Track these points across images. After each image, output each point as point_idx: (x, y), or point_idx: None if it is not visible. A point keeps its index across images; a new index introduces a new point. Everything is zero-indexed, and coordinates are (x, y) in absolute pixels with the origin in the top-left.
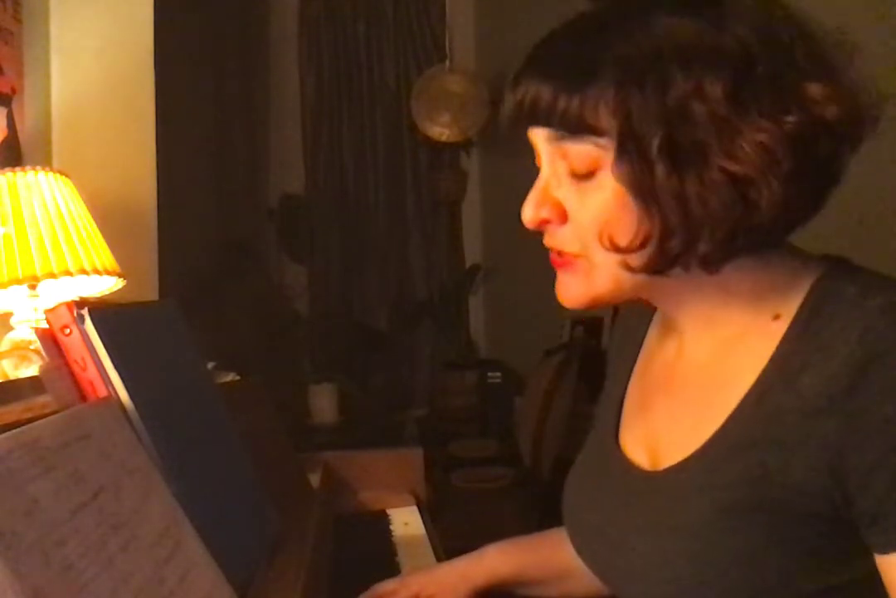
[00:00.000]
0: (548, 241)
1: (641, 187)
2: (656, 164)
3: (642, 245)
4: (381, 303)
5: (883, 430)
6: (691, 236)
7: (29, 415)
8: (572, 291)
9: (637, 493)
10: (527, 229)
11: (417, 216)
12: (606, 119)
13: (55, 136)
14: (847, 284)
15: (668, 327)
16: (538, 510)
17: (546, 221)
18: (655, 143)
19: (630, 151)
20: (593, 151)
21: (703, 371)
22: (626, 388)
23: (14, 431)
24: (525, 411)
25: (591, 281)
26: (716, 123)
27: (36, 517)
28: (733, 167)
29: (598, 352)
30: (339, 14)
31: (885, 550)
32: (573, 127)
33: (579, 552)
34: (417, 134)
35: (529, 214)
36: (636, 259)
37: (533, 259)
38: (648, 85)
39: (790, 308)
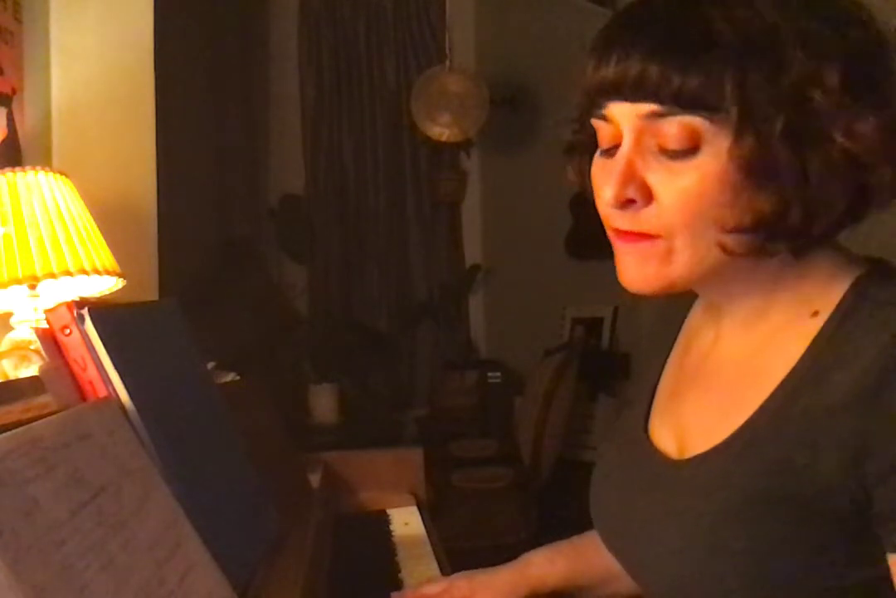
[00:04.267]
0: (624, 223)
1: (761, 167)
2: (778, 144)
3: (754, 226)
4: (381, 303)
5: None
6: (809, 216)
7: (29, 415)
8: (646, 273)
9: (661, 480)
10: (527, 229)
11: (417, 216)
12: (723, 96)
13: (55, 136)
14: (884, 286)
15: (708, 318)
16: (538, 510)
17: (630, 201)
18: (778, 124)
19: (752, 131)
20: (699, 125)
21: (736, 363)
22: (659, 376)
23: (14, 431)
24: (525, 411)
25: (670, 264)
26: (835, 108)
27: (36, 517)
28: (855, 147)
29: (598, 352)
30: (339, 14)
31: (894, 549)
32: (686, 103)
33: (603, 538)
34: (417, 134)
35: (614, 193)
36: (737, 241)
37: (533, 259)
38: (767, 65)
39: (828, 306)
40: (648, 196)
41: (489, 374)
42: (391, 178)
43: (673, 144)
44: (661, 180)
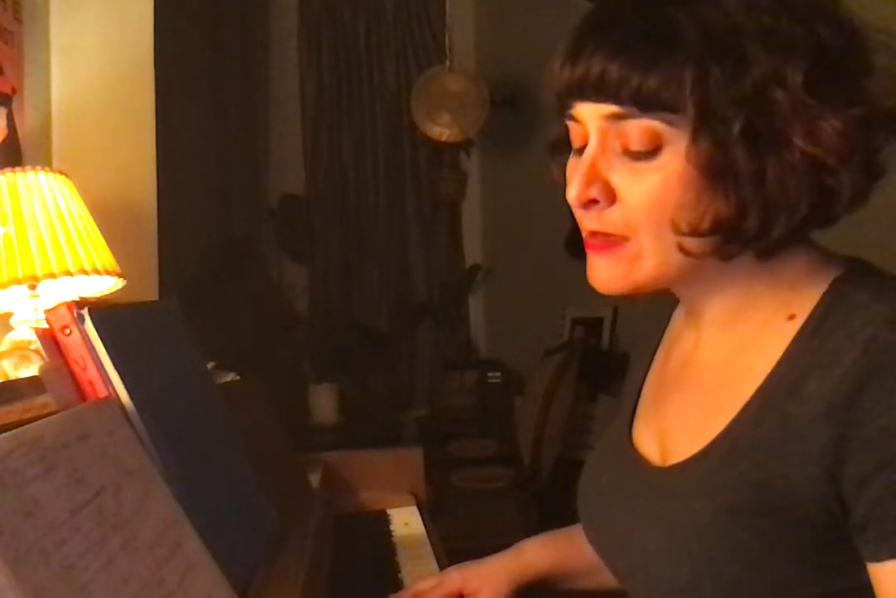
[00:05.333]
0: (590, 223)
1: (719, 169)
2: (736, 146)
3: (713, 228)
4: (381, 303)
5: (878, 441)
6: (768, 220)
7: (29, 415)
8: (612, 274)
9: (643, 488)
10: (527, 229)
11: (417, 216)
12: (683, 96)
13: (55, 136)
14: (860, 288)
15: (689, 322)
16: (538, 510)
17: (593, 202)
18: (736, 126)
19: (708, 132)
20: (658, 128)
21: (715, 369)
22: (644, 380)
23: (14, 431)
24: (525, 411)
25: (636, 266)
26: (796, 109)
27: (36, 517)
28: (814, 150)
29: (598, 352)
30: (339, 14)
31: (874, 558)
32: (645, 104)
33: (591, 542)
34: (417, 134)
35: (576, 192)
36: (698, 243)
37: (533, 259)
38: (729, 63)
39: (805, 309)
40: (612, 197)
41: (489, 374)
42: (391, 178)
43: (635, 145)
44: (624, 181)
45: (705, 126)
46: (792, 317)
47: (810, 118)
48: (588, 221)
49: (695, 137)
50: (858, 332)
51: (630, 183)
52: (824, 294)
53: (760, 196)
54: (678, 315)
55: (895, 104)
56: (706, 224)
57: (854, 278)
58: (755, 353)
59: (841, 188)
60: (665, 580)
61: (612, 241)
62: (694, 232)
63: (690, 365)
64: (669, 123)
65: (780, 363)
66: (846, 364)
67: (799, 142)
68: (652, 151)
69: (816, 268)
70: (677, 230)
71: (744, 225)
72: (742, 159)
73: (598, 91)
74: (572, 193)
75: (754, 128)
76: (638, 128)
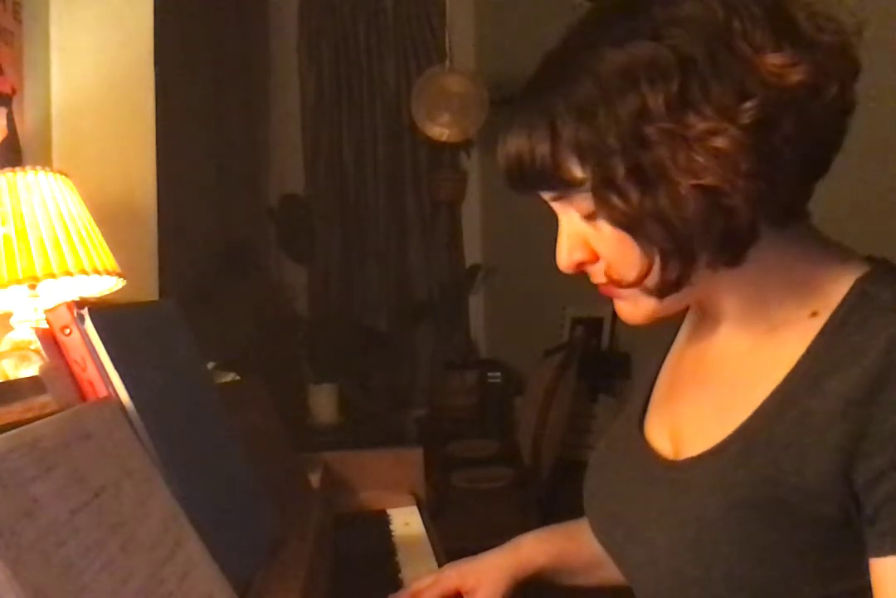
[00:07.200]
0: (592, 278)
1: (626, 221)
2: (627, 192)
3: (642, 277)
4: (381, 303)
5: (893, 440)
6: (687, 252)
7: (29, 415)
8: (627, 310)
9: (655, 481)
10: (527, 229)
11: (417, 216)
12: (578, 167)
13: (55, 136)
14: (885, 288)
15: (707, 317)
16: (538, 510)
17: (582, 263)
18: (620, 173)
19: (603, 190)
20: (583, 198)
21: (734, 364)
22: (656, 375)
23: (14, 431)
24: (525, 411)
25: (641, 303)
26: (665, 139)
27: (36, 517)
28: (695, 181)
29: (598, 352)
30: (339, 14)
31: (876, 552)
32: (560, 188)
33: (597, 536)
34: (417, 134)
35: (564, 260)
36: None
37: (533, 259)
38: (599, 120)
39: (828, 307)
40: (594, 255)
41: (489, 374)
42: (391, 178)
43: (581, 213)
44: (594, 239)
45: (599, 186)
46: (815, 314)
47: (681, 146)
48: (590, 277)
49: (596, 200)
50: (881, 331)
51: (597, 240)
52: (848, 293)
53: (669, 234)
54: (691, 314)
55: (800, 78)
56: (632, 277)
57: (879, 278)
58: (776, 349)
59: (736, 204)
60: (673, 574)
61: (612, 285)
62: (627, 285)
63: (707, 361)
64: (582, 194)
65: (802, 360)
66: (867, 362)
67: (678, 176)
68: (592, 214)
69: (836, 266)
70: (618, 285)
71: (669, 265)
72: (636, 204)
73: (524, 185)
74: (561, 263)
75: (638, 171)
76: (572, 203)
